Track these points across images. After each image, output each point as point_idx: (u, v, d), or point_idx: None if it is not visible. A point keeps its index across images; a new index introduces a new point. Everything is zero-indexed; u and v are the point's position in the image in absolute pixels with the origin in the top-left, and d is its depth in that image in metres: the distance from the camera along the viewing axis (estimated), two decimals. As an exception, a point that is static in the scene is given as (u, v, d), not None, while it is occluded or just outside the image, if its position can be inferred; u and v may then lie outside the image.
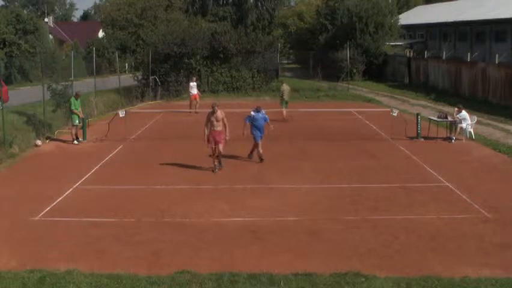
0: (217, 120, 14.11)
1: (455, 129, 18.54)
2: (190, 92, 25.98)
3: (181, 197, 12.35)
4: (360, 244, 9.46)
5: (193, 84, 25.92)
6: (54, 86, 21.16)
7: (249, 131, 15.54)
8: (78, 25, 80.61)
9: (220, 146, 14.28)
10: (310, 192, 12.60)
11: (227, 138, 14.30)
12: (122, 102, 28.28)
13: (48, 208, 11.55)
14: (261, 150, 15.58)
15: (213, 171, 14.40)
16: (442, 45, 44.43)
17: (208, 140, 14.25)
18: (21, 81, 40.61)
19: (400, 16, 46.88)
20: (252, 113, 15.61)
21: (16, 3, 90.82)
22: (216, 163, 14.52)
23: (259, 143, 15.51)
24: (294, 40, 56.37)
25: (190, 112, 25.46)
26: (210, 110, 14.26)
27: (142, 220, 10.78)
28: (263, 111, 15.74)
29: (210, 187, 13.02)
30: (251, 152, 15.88)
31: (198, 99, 25.82)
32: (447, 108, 24.26)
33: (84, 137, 18.98)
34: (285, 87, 23.78)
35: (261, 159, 15.62)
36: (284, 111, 23.24)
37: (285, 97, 23.56)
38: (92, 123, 21.71)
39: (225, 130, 14.27)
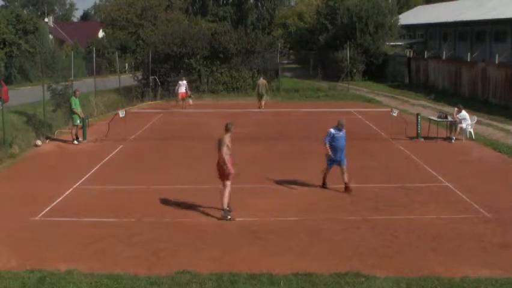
0: (221, 145, 10.73)
1: (455, 129, 18.54)
2: (177, 90, 27.48)
3: (181, 197, 12.34)
4: (360, 244, 9.46)
5: (181, 82, 27.37)
6: (54, 86, 21.18)
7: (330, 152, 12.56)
8: (78, 25, 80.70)
9: (227, 186, 10.80)
10: (310, 192, 12.60)
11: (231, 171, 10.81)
12: (122, 102, 28.28)
13: (48, 208, 11.54)
14: (346, 177, 12.52)
15: (229, 218, 10.74)
16: (442, 45, 44.46)
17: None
18: (21, 81, 40.62)
19: (400, 16, 46.90)
20: (332, 130, 12.59)
21: (16, 3, 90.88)
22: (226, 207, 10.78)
23: (330, 169, 12.75)
24: (294, 40, 56.44)
25: (173, 106, 27.04)
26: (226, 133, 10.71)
27: (142, 220, 10.78)
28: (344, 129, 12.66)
29: (210, 187, 12.99)
30: (324, 179, 12.97)
31: (185, 97, 27.35)
32: (447, 108, 24.26)
33: (84, 137, 18.98)
34: (261, 82, 26.47)
35: (346, 187, 12.46)
36: (261, 102, 26.12)
37: (261, 91, 26.15)
38: (92, 123, 21.71)
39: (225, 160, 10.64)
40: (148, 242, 9.63)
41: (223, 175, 10.73)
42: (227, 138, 10.69)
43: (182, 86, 27.21)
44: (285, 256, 8.98)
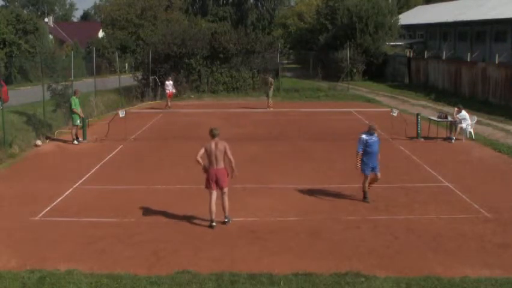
0: (220, 153, 10.23)
1: (455, 129, 18.54)
2: (166, 90, 28.06)
3: (181, 197, 12.35)
4: (360, 244, 9.46)
5: (168, 82, 27.91)
6: (54, 86, 21.17)
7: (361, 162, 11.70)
8: (78, 25, 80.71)
9: (226, 193, 10.46)
10: (310, 192, 12.59)
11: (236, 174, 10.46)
12: (122, 102, 28.30)
13: (48, 208, 11.55)
14: (367, 186, 11.82)
15: (210, 225, 10.33)
16: (442, 45, 44.46)
17: (209, 181, 10.36)
18: (21, 81, 40.65)
19: (400, 16, 46.91)
20: (364, 136, 11.73)
21: (16, 3, 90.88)
22: (213, 218, 10.31)
23: (368, 176, 11.76)
24: (294, 40, 56.43)
25: (169, 107, 27.28)
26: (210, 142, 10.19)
27: (142, 220, 10.78)
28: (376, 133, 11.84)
29: (210, 187, 13.01)
30: (364, 190, 11.94)
31: (171, 96, 27.96)
32: (447, 108, 24.27)
33: (84, 137, 18.99)
34: (269, 80, 27.41)
35: (364, 197, 11.83)
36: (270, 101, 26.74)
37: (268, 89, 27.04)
38: (92, 123, 21.71)
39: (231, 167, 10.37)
40: (148, 242, 9.63)
41: (223, 182, 10.27)
42: (224, 144, 10.19)
43: (170, 86, 27.62)
44: (285, 256, 8.98)
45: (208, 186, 10.38)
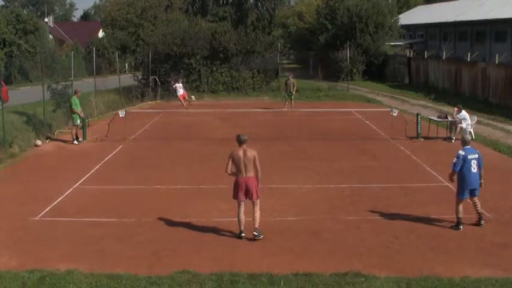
0: (249, 161, 9.59)
1: (455, 129, 18.54)
2: (177, 93, 27.80)
3: (181, 197, 12.35)
4: (360, 244, 9.46)
5: (178, 85, 27.66)
6: (54, 86, 21.16)
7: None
8: (78, 25, 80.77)
9: (258, 204, 9.76)
10: (310, 192, 12.59)
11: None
12: (122, 102, 28.27)
13: (48, 208, 11.55)
14: (479, 207, 10.12)
15: (239, 236, 9.73)
16: (442, 45, 44.46)
17: (237, 191, 9.67)
18: (21, 81, 40.67)
19: (400, 16, 46.91)
20: (461, 152, 9.93)
21: (16, 3, 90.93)
22: (242, 228, 9.73)
23: (464, 200, 10.06)
24: (294, 40, 56.43)
25: (187, 109, 26.95)
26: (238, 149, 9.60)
27: (142, 220, 10.78)
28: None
29: (210, 187, 13.00)
30: (457, 215, 10.12)
31: (186, 97, 27.93)
32: (447, 108, 24.27)
33: (84, 137, 18.99)
34: (291, 81, 26.92)
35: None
36: (291, 102, 26.56)
37: (291, 90, 26.63)
38: (92, 123, 21.71)
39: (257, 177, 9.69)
40: (148, 242, 9.63)
41: (255, 192, 9.58)
42: (254, 153, 9.57)
43: (180, 89, 27.49)
44: (285, 256, 8.98)
45: (235, 196, 9.69)
